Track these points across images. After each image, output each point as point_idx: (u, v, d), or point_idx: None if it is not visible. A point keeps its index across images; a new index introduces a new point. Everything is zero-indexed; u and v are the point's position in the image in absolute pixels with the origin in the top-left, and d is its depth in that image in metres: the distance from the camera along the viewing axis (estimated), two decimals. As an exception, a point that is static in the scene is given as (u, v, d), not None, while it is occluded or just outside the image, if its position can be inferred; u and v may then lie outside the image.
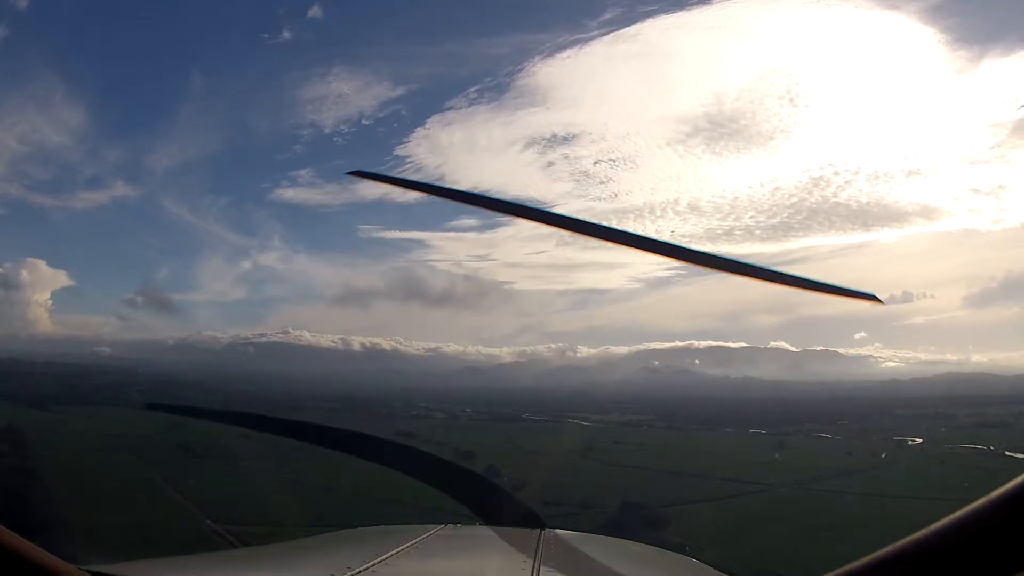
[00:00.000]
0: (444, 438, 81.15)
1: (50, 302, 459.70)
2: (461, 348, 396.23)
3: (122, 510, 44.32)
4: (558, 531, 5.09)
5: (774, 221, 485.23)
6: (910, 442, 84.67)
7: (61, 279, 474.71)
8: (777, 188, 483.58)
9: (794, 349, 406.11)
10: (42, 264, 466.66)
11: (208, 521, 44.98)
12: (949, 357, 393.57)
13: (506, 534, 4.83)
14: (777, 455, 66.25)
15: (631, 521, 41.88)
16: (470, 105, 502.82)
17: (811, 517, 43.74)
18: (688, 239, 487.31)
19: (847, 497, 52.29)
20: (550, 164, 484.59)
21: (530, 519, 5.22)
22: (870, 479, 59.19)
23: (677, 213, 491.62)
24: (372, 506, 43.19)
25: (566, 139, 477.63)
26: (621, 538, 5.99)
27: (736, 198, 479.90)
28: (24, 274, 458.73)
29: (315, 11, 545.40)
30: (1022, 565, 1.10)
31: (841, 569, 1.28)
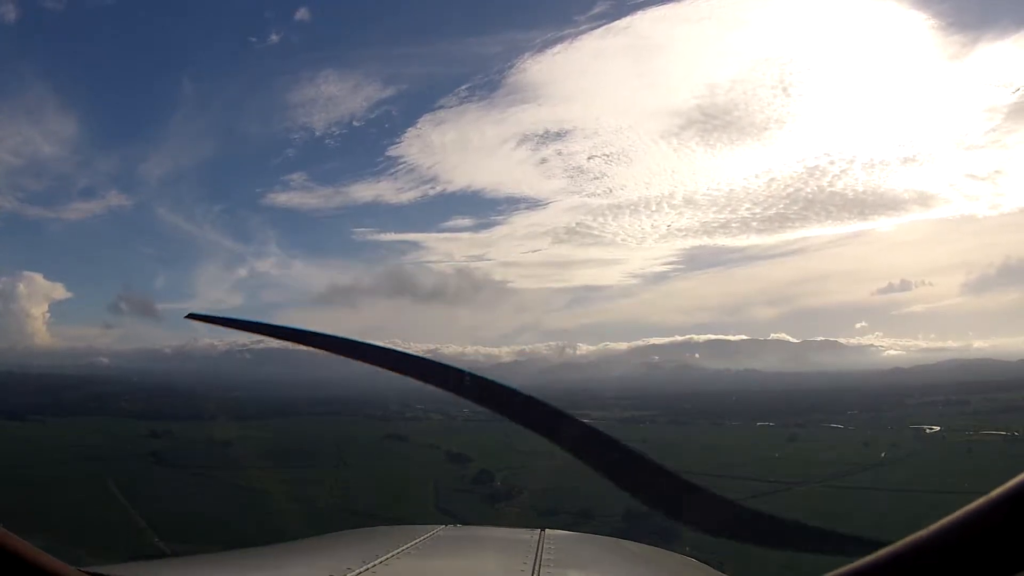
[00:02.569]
0: (438, 440, 75.38)
1: (48, 314, 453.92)
2: (460, 348, 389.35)
3: (61, 523, 38.50)
4: (558, 531, 4.88)
5: (770, 212, 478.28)
6: (927, 430, 79.21)
7: (58, 291, 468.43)
8: (772, 179, 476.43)
9: (795, 340, 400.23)
10: (39, 277, 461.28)
11: (157, 541, 38.96)
12: (951, 344, 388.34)
13: (506, 534, 5.06)
14: (777, 455, 59.48)
15: (638, 532, 35.51)
16: (461, 104, 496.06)
17: (844, 519, 37.03)
18: (684, 232, 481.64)
19: (878, 494, 45.63)
20: (543, 161, 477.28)
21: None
22: (897, 472, 52.82)
23: (672, 207, 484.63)
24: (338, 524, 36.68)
25: (559, 135, 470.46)
26: None
27: (732, 190, 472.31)
28: (21, 287, 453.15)
29: (302, 13, 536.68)
30: (1022, 565, 1.08)
31: (841, 569, 1.25)
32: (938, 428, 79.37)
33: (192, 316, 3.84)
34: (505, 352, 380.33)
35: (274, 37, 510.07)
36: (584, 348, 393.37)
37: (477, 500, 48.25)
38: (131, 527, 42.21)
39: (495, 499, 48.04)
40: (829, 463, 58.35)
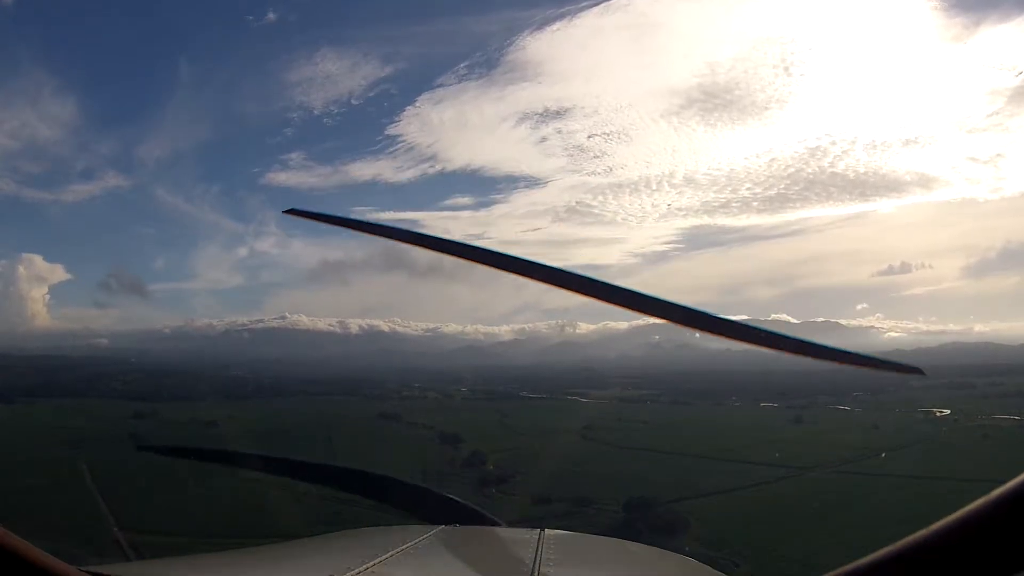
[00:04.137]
0: (431, 420, 71.98)
1: (48, 296, 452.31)
2: (460, 327, 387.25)
3: (20, 512, 35.05)
4: (558, 531, 4.70)
5: (771, 192, 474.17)
6: (937, 414, 75.61)
7: (58, 273, 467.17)
8: (773, 159, 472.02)
9: (795, 321, 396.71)
10: (39, 259, 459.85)
11: (116, 530, 35.54)
12: (952, 327, 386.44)
13: (506, 534, 4.83)
14: (777, 454, 55.13)
15: (640, 523, 31.89)
16: (460, 82, 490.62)
17: (865, 510, 33.13)
18: (685, 212, 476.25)
19: (898, 481, 41.54)
20: (543, 139, 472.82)
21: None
22: (915, 458, 48.88)
23: (673, 186, 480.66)
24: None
25: (559, 113, 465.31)
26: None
27: (732, 170, 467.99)
28: (21, 270, 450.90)
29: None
30: (1022, 565, 1.08)
31: (841, 569, 1.25)
32: (948, 412, 76.06)
33: (292, 211, 3.64)
34: (505, 331, 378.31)
35: (271, 16, 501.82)
36: (584, 327, 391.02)
37: (466, 485, 44.49)
38: (91, 514, 38.80)
39: (485, 484, 44.23)
40: (841, 447, 54.57)
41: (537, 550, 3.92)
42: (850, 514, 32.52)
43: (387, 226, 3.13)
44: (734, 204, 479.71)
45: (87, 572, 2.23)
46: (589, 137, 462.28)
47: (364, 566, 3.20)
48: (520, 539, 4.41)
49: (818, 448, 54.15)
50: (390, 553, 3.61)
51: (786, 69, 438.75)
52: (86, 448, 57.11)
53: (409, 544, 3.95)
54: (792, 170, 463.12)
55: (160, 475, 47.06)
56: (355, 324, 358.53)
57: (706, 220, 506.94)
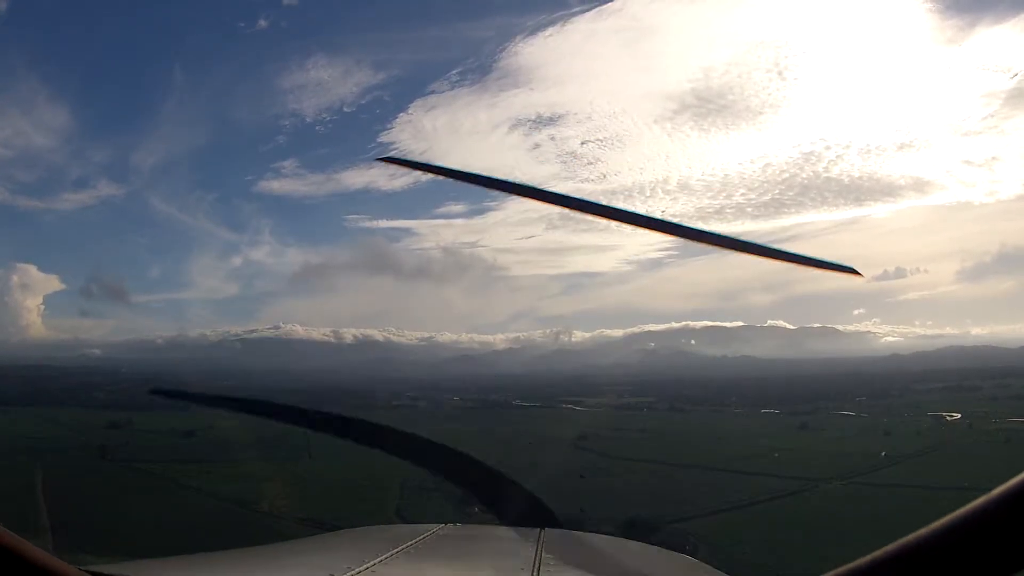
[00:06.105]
0: (417, 429, 65.77)
1: (43, 307, 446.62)
2: (455, 336, 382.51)
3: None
4: (558, 531, 4.53)
5: (765, 198, 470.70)
6: (947, 418, 70.96)
7: (53, 283, 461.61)
8: (768, 164, 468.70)
9: (791, 327, 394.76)
10: (33, 269, 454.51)
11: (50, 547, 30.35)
12: (949, 331, 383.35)
13: (506, 534, 4.62)
14: (777, 454, 49.92)
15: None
16: (452, 88, 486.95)
17: (903, 529, 28.18)
18: (679, 218, 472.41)
19: (929, 495, 36.35)
20: (536, 146, 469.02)
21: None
22: (937, 465, 44.06)
23: (667, 192, 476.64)
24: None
25: (552, 120, 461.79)
26: None
27: (726, 175, 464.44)
28: (15, 280, 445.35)
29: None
30: (1022, 565, 1.07)
31: (841, 569, 1.24)
32: (959, 415, 71.37)
33: (385, 159, 3.75)
34: (500, 339, 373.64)
35: (263, 23, 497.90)
36: (579, 335, 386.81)
37: (445, 502, 39.75)
38: (31, 531, 33.67)
39: (466, 501, 39.27)
40: (855, 454, 49.76)
41: (537, 549, 3.82)
42: (880, 532, 27.52)
43: (485, 176, 3.14)
44: (728, 210, 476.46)
45: (87, 572, 2.19)
46: (582, 143, 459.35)
47: (364, 566, 3.20)
48: (520, 538, 4.25)
49: (831, 457, 49.08)
50: (390, 553, 3.59)
51: (780, 73, 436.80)
52: (47, 459, 52.44)
53: (409, 544, 3.92)
54: (787, 175, 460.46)
55: (113, 489, 42.39)
56: (349, 334, 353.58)
57: (700, 227, 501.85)
